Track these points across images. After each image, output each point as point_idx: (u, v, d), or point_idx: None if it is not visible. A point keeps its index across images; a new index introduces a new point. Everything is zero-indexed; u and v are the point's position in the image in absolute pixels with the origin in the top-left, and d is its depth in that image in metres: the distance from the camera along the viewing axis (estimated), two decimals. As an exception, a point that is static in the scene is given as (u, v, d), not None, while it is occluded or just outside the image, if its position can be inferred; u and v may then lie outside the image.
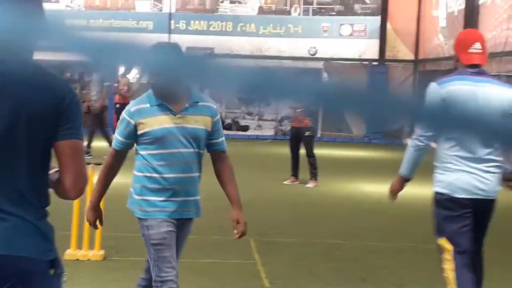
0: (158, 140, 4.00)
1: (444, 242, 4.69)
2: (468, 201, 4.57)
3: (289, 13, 22.47)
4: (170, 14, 22.35)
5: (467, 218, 4.63)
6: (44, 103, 2.61)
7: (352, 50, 22.13)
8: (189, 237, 4.31)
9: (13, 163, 2.61)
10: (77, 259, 6.46)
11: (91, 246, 6.58)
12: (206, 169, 4.23)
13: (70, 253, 6.48)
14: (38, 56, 2.71)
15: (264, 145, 19.34)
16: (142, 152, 4.06)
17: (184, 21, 22.38)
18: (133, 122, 4.03)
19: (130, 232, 6.95)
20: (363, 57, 22.17)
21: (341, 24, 22.21)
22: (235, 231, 4.23)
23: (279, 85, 1.35)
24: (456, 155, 4.56)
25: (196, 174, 4.12)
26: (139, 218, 4.10)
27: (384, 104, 1.37)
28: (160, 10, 22.55)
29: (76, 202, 6.33)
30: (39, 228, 2.64)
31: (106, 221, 4.50)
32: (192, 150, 4.05)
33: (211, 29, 22.32)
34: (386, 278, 6.43)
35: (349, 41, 22.18)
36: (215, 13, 22.46)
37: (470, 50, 4.65)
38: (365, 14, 22.23)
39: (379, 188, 10.71)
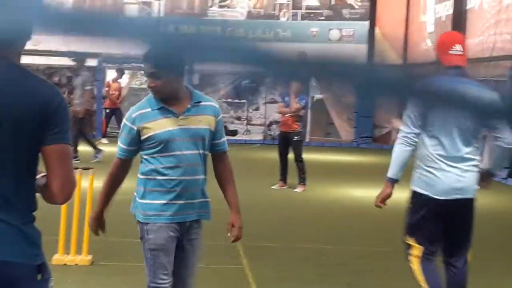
0: (162, 143, 3.95)
1: (412, 242, 4.74)
2: (447, 202, 4.59)
3: (278, 17, 22.52)
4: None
5: (443, 221, 4.66)
6: (30, 107, 2.59)
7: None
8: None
9: (-2, 167, 2.60)
10: (65, 264, 6.43)
11: (78, 251, 6.56)
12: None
13: (57, 258, 6.45)
14: (25, 60, 2.71)
15: (252, 150, 19.33)
16: (146, 156, 4.02)
17: (173, 25, 22.37)
18: (135, 128, 3.97)
19: (118, 237, 6.93)
20: (351, 61, 22.21)
21: (329, 29, 22.26)
22: (229, 235, 4.22)
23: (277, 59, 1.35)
24: (438, 154, 4.58)
25: (201, 176, 4.05)
26: (140, 221, 4.06)
27: (373, 75, 1.38)
28: (149, 14, 22.52)
29: (63, 207, 6.30)
30: (25, 233, 2.63)
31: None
32: (196, 152, 4.01)
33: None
34: (373, 283, 6.44)
35: (338, 45, 22.22)
36: (204, 18, 22.47)
37: (451, 52, 4.68)
38: (353, 19, 22.29)
39: (367, 193, 10.71)
